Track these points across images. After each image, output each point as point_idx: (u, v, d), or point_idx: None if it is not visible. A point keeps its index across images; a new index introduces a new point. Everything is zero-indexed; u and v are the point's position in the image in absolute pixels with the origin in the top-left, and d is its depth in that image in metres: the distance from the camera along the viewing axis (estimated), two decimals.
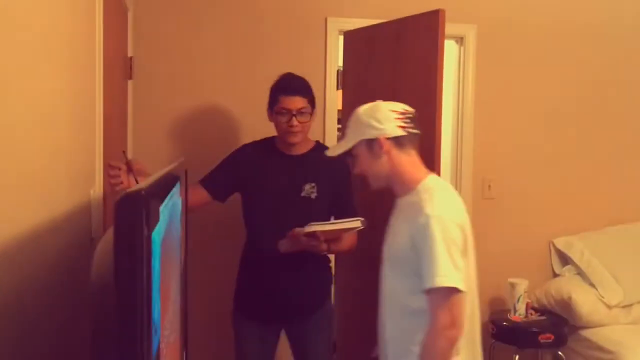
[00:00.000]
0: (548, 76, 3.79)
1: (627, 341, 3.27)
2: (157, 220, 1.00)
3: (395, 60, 3.02)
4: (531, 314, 3.49)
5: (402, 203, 2.00)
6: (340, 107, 3.47)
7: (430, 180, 1.97)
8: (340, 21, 3.48)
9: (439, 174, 2.73)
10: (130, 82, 3.20)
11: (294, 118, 2.46)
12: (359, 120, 1.99)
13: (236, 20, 3.41)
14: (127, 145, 3.08)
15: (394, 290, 1.95)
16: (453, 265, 1.79)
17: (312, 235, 2.30)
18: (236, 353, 2.66)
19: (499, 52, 3.71)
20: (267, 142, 2.63)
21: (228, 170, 2.60)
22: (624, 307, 3.51)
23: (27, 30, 1.29)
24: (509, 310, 3.51)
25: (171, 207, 1.31)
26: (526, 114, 3.77)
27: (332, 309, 2.68)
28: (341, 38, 3.44)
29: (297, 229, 2.32)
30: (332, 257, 2.77)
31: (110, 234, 0.88)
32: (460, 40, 3.66)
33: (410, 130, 1.96)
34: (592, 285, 3.55)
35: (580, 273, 3.64)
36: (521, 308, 3.46)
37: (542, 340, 3.35)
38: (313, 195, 2.51)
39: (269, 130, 2.63)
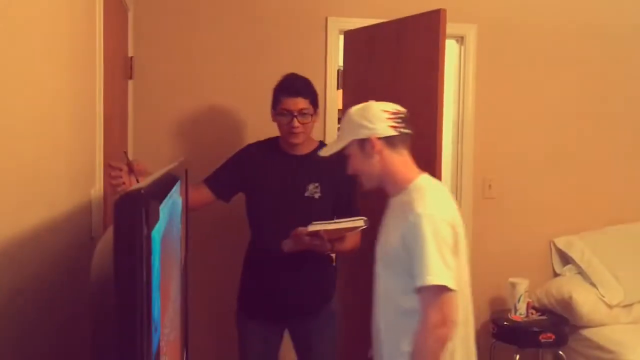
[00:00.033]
0: (548, 76, 3.79)
1: (628, 341, 3.27)
2: (156, 219, 1.00)
3: (396, 59, 3.01)
4: (532, 314, 3.49)
5: (394, 202, 2.00)
6: (340, 107, 3.46)
7: (421, 180, 1.98)
8: (340, 21, 3.47)
9: (439, 173, 2.73)
10: (130, 82, 3.20)
11: (295, 119, 2.45)
12: (351, 120, 1.99)
13: (236, 20, 3.41)
14: (128, 145, 3.08)
15: (387, 290, 1.96)
16: (444, 264, 1.79)
17: (316, 234, 2.30)
18: (240, 353, 2.66)
19: (499, 51, 3.70)
20: (271, 142, 2.62)
21: (232, 170, 2.60)
22: (624, 306, 3.51)
23: (27, 30, 1.29)
24: (509, 310, 3.51)
25: (171, 206, 1.31)
26: (526, 114, 3.77)
27: (336, 309, 2.67)
28: (341, 38, 3.44)
29: (301, 229, 2.32)
30: (333, 257, 2.77)
31: (110, 233, 0.88)
32: (460, 39, 3.65)
33: (402, 130, 1.96)
34: (592, 284, 3.55)
35: (581, 272, 3.64)
36: (522, 308, 3.46)
37: (542, 340, 3.34)
38: (316, 195, 2.51)
39: (269, 129, 2.63)
